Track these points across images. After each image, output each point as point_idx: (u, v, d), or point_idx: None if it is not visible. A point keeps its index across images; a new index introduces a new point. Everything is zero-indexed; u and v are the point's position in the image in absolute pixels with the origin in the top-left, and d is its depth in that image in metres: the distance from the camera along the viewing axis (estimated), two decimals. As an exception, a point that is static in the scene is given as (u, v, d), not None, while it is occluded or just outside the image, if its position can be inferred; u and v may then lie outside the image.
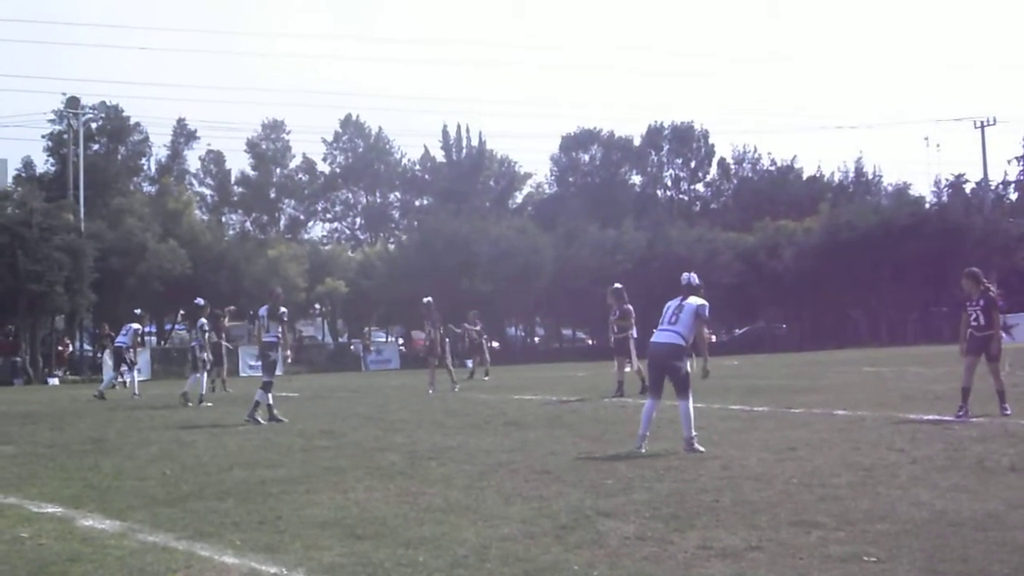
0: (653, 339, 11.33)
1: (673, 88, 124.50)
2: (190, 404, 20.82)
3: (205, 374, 22.07)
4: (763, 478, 8.70)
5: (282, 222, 71.95)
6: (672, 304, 11.39)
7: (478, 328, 30.59)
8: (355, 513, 7.73)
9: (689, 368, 11.06)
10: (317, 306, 50.95)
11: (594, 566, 5.92)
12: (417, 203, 74.81)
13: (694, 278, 11.59)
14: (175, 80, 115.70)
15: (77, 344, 50.77)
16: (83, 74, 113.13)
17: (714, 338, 65.65)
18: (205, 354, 21.77)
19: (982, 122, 63.70)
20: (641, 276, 50.31)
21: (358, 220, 75.40)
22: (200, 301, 22.70)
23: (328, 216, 75.06)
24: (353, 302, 55.16)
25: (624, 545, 6.40)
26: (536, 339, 62.82)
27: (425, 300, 24.34)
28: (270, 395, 16.60)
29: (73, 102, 53.98)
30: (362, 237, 73.18)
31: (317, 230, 73.90)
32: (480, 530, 6.94)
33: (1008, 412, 13.40)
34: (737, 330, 65.28)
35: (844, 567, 5.73)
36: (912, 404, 15.25)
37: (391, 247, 61.41)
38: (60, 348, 46.50)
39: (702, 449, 10.59)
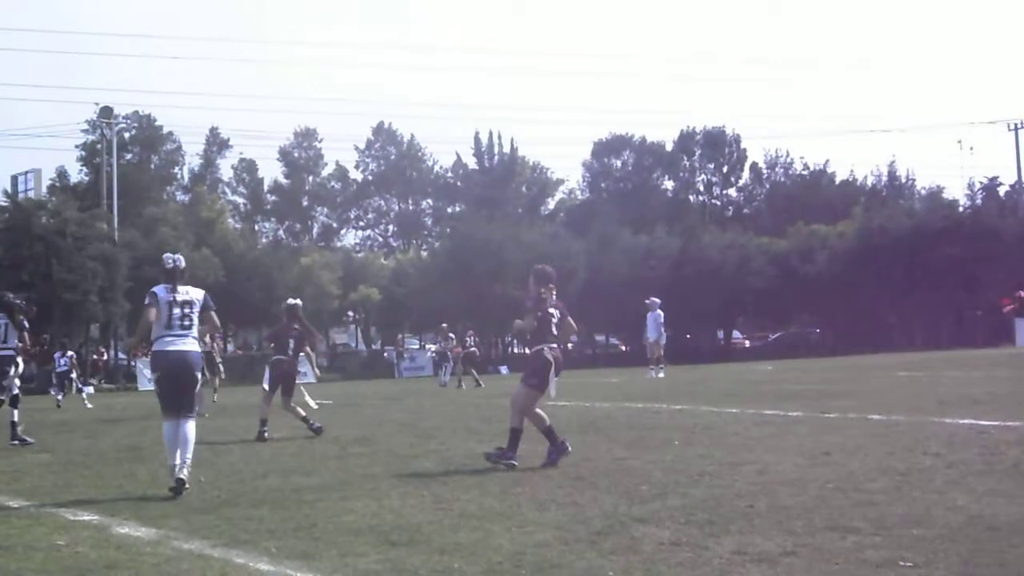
0: (167, 347, 9.70)
1: (705, 93, 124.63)
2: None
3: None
4: (798, 483, 8.65)
5: (315, 230, 72.34)
6: (179, 298, 9.70)
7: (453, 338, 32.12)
8: (390, 520, 7.74)
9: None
10: (350, 313, 51.05)
11: (629, 572, 5.90)
12: (449, 210, 74.98)
13: (181, 260, 9.92)
14: (207, 89, 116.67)
15: (112, 353, 51.17)
16: (116, 84, 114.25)
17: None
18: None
19: (1016, 124, 63.27)
20: (674, 281, 50.32)
21: (391, 227, 75.70)
22: None
23: (361, 224, 75.47)
24: (386, 309, 55.33)
25: (659, 551, 6.37)
26: (569, 345, 62.58)
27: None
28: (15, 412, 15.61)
29: (106, 112, 54.52)
30: (395, 244, 73.44)
31: (350, 238, 74.39)
32: (515, 536, 6.93)
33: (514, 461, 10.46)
34: (771, 335, 65.07)
35: (880, 572, 5.68)
36: (948, 408, 15.10)
37: (424, 254, 61.66)
38: (95, 357, 46.86)
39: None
